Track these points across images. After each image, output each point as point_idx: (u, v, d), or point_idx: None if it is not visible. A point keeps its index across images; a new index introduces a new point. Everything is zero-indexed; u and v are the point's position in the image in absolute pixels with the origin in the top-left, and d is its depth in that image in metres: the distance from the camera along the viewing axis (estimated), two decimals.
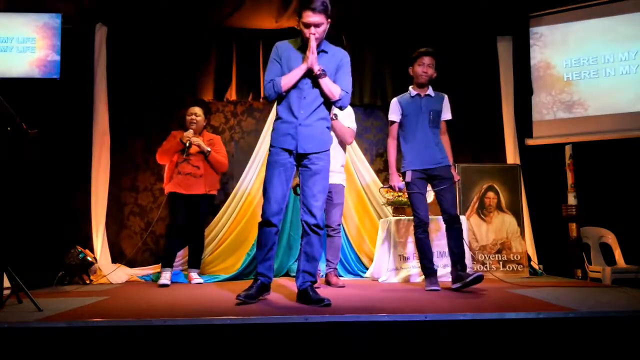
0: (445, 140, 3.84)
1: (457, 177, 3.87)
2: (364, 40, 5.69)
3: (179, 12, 5.34)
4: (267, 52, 5.59)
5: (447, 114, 3.85)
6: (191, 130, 4.50)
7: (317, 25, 2.94)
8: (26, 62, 5.01)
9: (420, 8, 5.42)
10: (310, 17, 2.93)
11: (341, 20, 5.53)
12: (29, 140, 3.06)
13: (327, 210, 4.14)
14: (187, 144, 4.44)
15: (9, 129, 2.90)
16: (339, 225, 4.22)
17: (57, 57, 5.00)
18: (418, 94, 3.79)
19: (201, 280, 4.55)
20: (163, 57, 5.39)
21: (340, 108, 3.12)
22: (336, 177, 4.16)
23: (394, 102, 3.87)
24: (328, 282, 4.18)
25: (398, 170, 3.93)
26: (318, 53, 3.00)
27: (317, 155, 3.01)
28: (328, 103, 3.07)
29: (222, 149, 4.71)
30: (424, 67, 3.73)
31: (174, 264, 4.57)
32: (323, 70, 2.98)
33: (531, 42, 5.58)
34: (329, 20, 3.01)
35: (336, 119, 4.13)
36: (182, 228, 4.45)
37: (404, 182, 3.82)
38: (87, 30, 5.22)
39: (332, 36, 5.68)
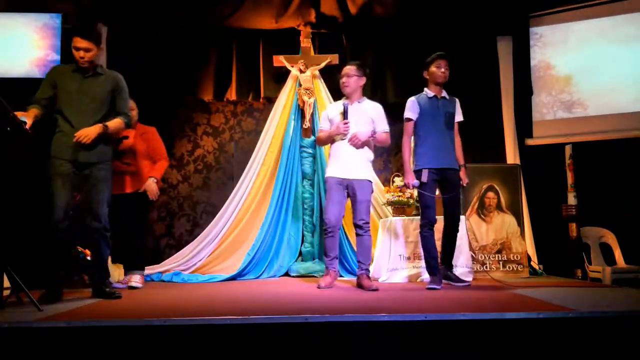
0: (457, 141, 3.96)
1: (465, 181, 3.94)
2: (364, 40, 5.69)
3: (179, 12, 5.33)
4: (267, 52, 5.65)
5: (459, 116, 3.98)
6: None
7: (87, 50, 3.25)
8: (26, 62, 5.00)
9: (421, 8, 5.42)
10: (79, 42, 3.23)
11: (341, 21, 5.56)
12: (28, 140, 3.06)
13: (352, 207, 3.95)
14: None
15: (8, 129, 2.90)
16: (367, 223, 3.87)
17: (57, 57, 4.99)
18: (435, 96, 3.87)
19: (140, 285, 4.06)
20: (163, 57, 5.38)
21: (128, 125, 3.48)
22: (361, 172, 3.92)
23: (412, 101, 3.89)
24: (360, 285, 3.82)
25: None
26: (89, 76, 3.33)
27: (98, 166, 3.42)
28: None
29: (159, 143, 4.35)
30: (441, 69, 3.83)
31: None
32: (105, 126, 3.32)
33: (531, 42, 5.58)
34: (100, 46, 3.36)
35: (374, 134, 3.99)
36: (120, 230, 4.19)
37: (417, 181, 3.79)
38: None
39: (332, 36, 5.74)
